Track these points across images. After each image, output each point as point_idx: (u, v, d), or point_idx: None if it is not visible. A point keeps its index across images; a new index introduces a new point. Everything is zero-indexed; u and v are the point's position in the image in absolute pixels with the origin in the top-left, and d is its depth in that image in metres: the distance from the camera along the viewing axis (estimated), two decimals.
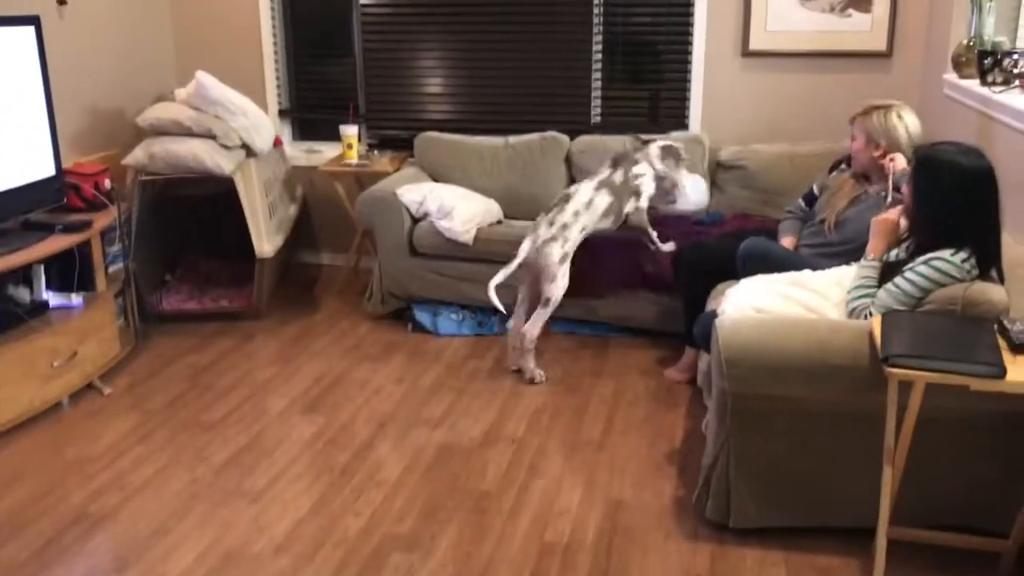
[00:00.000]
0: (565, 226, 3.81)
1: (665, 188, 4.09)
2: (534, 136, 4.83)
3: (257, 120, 4.58)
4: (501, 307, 3.74)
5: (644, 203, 3.98)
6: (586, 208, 3.87)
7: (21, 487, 3.11)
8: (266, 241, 4.46)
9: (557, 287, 3.79)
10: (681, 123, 4.86)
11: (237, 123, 4.46)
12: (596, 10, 4.87)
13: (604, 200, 3.90)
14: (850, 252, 3.24)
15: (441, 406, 3.68)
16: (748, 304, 2.88)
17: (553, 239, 3.79)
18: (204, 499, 3.02)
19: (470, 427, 3.50)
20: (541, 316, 3.83)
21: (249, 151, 4.55)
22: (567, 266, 3.82)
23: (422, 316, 4.46)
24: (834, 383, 2.57)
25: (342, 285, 5.04)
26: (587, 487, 3.08)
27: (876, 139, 3.41)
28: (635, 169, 3.99)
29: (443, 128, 5.04)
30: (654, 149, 4.04)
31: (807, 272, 3.04)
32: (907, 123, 3.41)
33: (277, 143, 5.00)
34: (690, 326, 3.65)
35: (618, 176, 3.96)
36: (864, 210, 3.37)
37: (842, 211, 3.46)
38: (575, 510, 2.95)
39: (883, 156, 3.39)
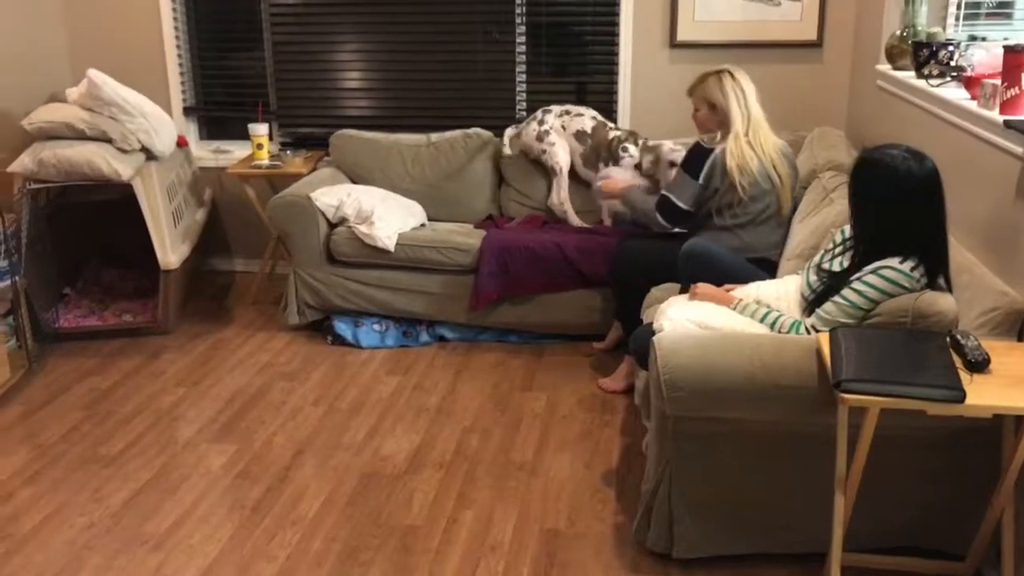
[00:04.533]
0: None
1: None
2: (457, 133, 4.59)
3: (157, 121, 4.25)
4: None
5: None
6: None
7: None
8: (171, 251, 4.15)
9: None
10: (610, 116, 4.67)
11: (135, 124, 4.13)
12: None
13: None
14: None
15: (363, 428, 3.44)
16: (689, 318, 2.70)
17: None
18: (100, 549, 2.74)
19: (394, 452, 3.27)
20: None
21: (149, 154, 4.23)
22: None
23: (342, 328, 4.20)
24: (781, 405, 2.40)
25: (256, 294, 4.75)
26: (521, 516, 2.88)
27: (715, 101, 3.44)
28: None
29: (361, 126, 4.76)
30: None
31: (747, 288, 2.88)
32: (740, 83, 3.43)
33: (181, 143, 4.68)
34: (626, 330, 3.47)
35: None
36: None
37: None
38: (508, 544, 2.74)
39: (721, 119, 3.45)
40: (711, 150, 3.41)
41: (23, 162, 3.98)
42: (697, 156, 3.44)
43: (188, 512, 2.91)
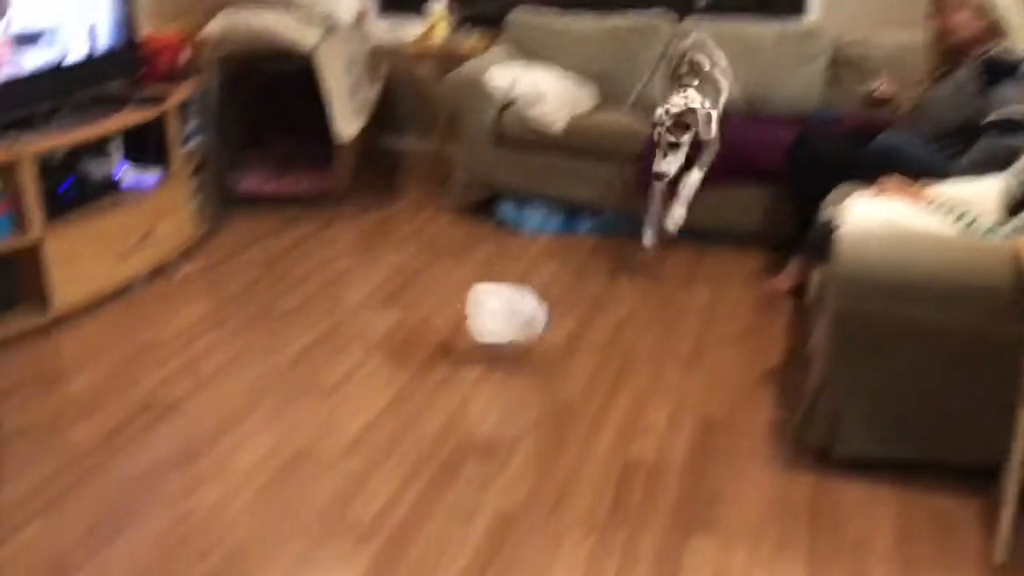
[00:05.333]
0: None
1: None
2: (636, 15, 4.44)
3: None
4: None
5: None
6: None
7: (92, 369, 3.04)
8: (347, 123, 4.25)
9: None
10: (798, 7, 4.41)
11: None
12: None
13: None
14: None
15: None
16: (875, 215, 2.56)
17: None
18: (275, 392, 2.91)
19: (552, 332, 3.29)
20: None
21: (331, 26, 4.29)
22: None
23: (506, 210, 4.22)
24: (968, 309, 2.28)
25: (425, 173, 4.82)
26: (677, 403, 2.87)
27: (987, 14, 3.07)
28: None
29: (539, 2, 4.66)
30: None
31: (942, 187, 2.70)
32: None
33: (361, 18, 4.73)
34: (800, 231, 3.34)
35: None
36: (950, 90, 3.15)
37: (926, 92, 3.24)
38: (663, 428, 2.75)
39: (988, 33, 3.06)
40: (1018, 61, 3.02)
41: (213, 28, 4.13)
42: (1006, 68, 3.02)
43: (355, 368, 3.05)
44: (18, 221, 3.17)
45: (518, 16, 4.58)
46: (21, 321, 3.21)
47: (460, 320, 3.19)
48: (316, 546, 2.27)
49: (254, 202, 4.42)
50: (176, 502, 2.42)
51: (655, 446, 2.66)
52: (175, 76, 3.91)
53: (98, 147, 3.57)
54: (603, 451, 2.63)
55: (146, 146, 3.75)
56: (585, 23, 4.50)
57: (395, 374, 3.02)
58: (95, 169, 3.57)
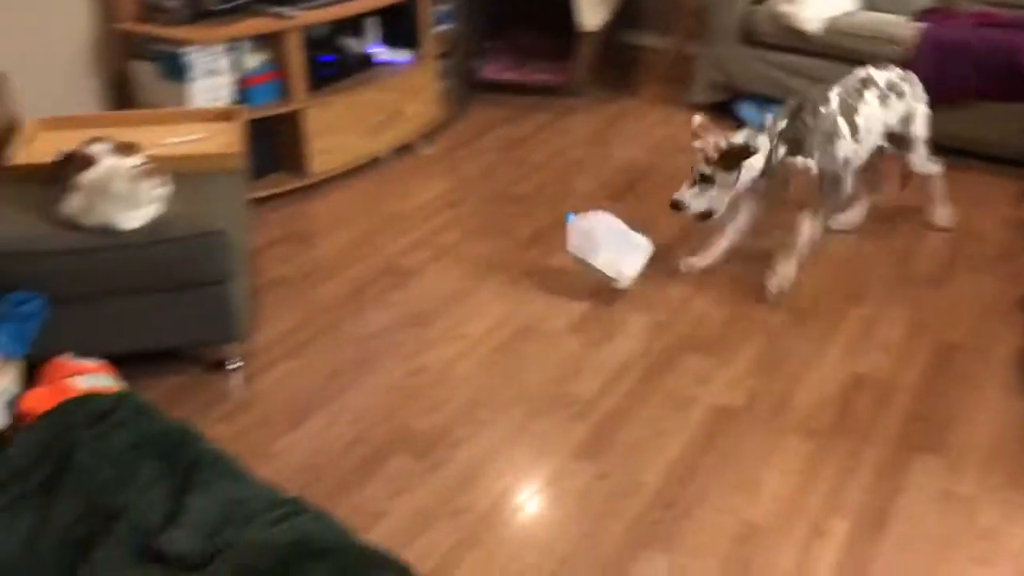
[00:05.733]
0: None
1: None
2: None
3: None
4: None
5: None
6: None
7: (340, 233, 3.25)
8: (590, 14, 4.22)
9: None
10: None
11: None
12: None
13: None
14: None
15: None
16: None
17: None
18: (506, 270, 3.01)
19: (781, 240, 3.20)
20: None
21: None
22: None
23: (746, 111, 4.08)
24: None
25: (665, 70, 4.72)
26: (915, 323, 2.73)
27: None
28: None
29: None
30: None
31: None
32: None
33: None
34: None
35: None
36: None
37: None
38: (898, 346, 2.63)
39: None
40: None
41: None
42: None
43: None
44: (283, 90, 3.40)
45: None
46: (281, 183, 3.48)
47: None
48: (535, 415, 2.37)
49: (495, 89, 4.51)
50: (410, 358, 2.58)
51: (887, 363, 2.55)
52: None
53: (356, 25, 3.74)
54: (831, 362, 2.56)
55: (400, 28, 3.88)
56: None
57: None
58: (353, 46, 3.75)
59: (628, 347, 2.63)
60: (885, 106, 2.94)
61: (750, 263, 3.00)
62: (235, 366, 2.53)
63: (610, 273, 2.83)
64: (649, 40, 5.17)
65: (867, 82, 2.95)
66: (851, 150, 2.84)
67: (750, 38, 4.02)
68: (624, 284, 2.84)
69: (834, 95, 2.86)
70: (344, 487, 2.13)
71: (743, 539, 2.00)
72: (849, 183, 2.90)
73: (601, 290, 2.88)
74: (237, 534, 1.26)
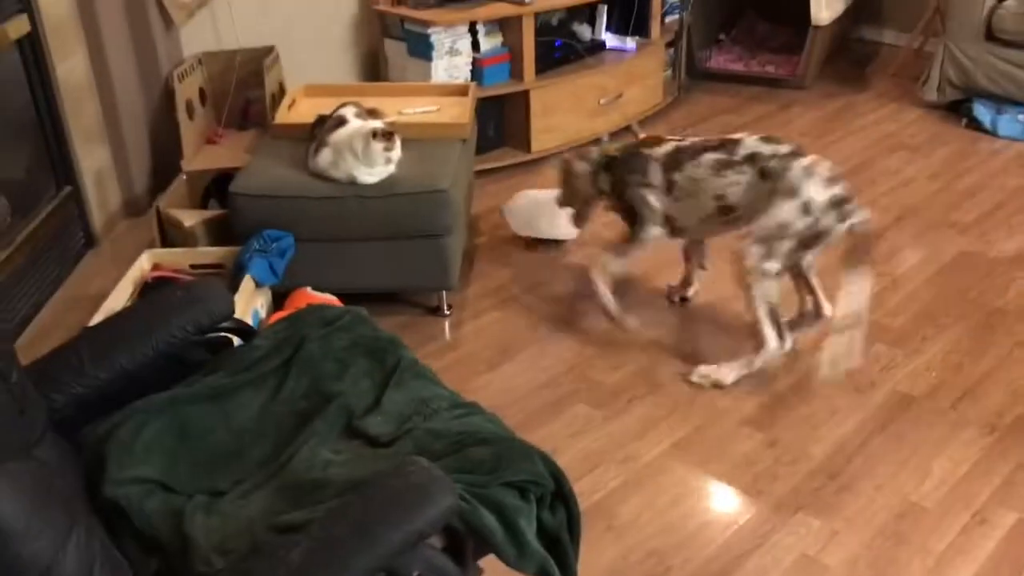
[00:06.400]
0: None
1: None
2: None
3: None
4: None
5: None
6: None
7: None
8: (824, 7, 4.21)
9: None
10: None
11: None
12: None
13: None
14: None
15: (974, 211, 3.31)
16: None
17: None
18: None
19: (1003, 240, 3.11)
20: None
21: None
22: None
23: (981, 112, 3.94)
24: None
25: (898, 67, 4.62)
26: None
27: None
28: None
29: None
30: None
31: None
32: None
33: None
34: None
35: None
36: None
37: None
38: None
39: None
40: None
41: None
42: None
43: None
44: (514, 71, 3.68)
45: None
46: (505, 157, 3.76)
47: (901, 211, 3.13)
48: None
49: (719, 78, 4.59)
50: (603, 321, 2.77)
51: None
52: None
53: (588, 12, 3.96)
54: None
55: (629, 15, 4.06)
56: None
57: (820, 256, 3.07)
58: (583, 31, 3.98)
59: (816, 335, 2.68)
60: None
61: (958, 270, 2.97)
62: (448, 312, 2.83)
63: (559, 236, 3.14)
64: (886, 36, 5.06)
65: None
66: None
67: (993, 35, 3.88)
68: (573, 236, 3.13)
69: None
70: (528, 423, 2.36)
71: (901, 515, 2.05)
72: None
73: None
74: (422, 423, 1.51)
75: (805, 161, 2.37)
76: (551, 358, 2.62)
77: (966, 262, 3.00)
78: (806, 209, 2.32)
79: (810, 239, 2.36)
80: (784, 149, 2.40)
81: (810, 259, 2.49)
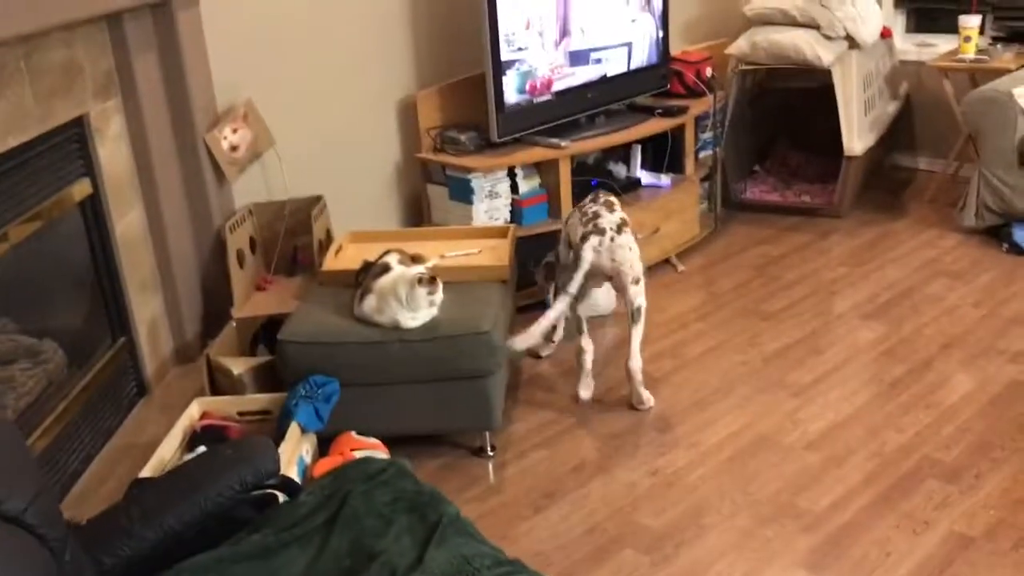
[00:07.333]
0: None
1: None
2: None
3: (864, 10, 4.35)
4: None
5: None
6: None
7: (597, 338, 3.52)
8: (857, 138, 4.29)
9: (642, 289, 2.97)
10: None
11: (843, 13, 4.28)
12: None
13: None
14: None
15: (1023, 339, 3.27)
16: None
17: (624, 224, 3.01)
18: (748, 383, 3.12)
19: None
20: (638, 336, 2.96)
21: (852, 42, 4.36)
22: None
23: (1021, 237, 3.94)
24: None
25: (934, 193, 4.65)
26: None
27: None
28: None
29: None
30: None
31: None
32: None
33: (885, 34, 4.71)
34: None
35: None
36: None
37: None
38: None
39: None
40: None
41: (739, 45, 4.43)
42: None
43: (828, 373, 3.14)
44: (552, 210, 3.78)
45: None
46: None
47: (947, 340, 3.11)
48: (761, 524, 2.45)
49: (756, 209, 4.66)
50: (648, 460, 2.75)
51: None
52: (697, 90, 4.29)
53: (623, 152, 4.08)
54: None
55: (663, 153, 4.18)
56: None
57: (867, 385, 3.05)
58: (619, 169, 4.09)
59: (866, 467, 2.64)
60: None
61: (1009, 402, 2.92)
62: (491, 452, 2.83)
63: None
64: (921, 163, 5.12)
65: None
66: None
67: None
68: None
69: None
70: (573, 573, 2.32)
71: None
72: None
73: (843, 410, 2.91)
74: None
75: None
76: (596, 500, 2.60)
77: (1019, 391, 2.95)
78: None
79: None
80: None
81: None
